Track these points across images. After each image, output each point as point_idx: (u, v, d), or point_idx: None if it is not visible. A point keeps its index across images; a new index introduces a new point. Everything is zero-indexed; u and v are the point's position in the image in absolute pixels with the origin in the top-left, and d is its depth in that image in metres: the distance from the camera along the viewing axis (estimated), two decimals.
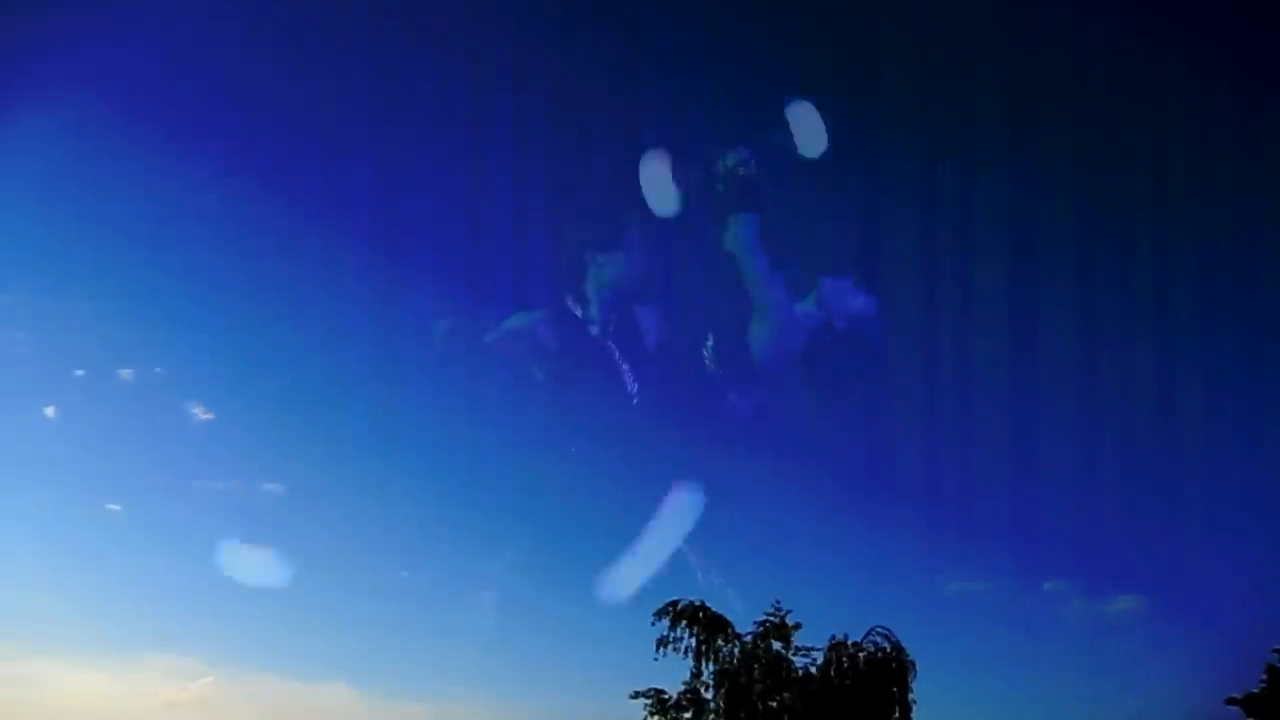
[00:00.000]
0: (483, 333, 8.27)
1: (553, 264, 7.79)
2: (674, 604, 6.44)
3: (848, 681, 6.44)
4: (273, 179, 8.88)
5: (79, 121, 8.45)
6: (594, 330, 7.40)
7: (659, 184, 8.14)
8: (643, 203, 8.65)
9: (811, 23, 8.88)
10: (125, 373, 8.35)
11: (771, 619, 6.53)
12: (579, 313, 7.33)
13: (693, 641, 6.45)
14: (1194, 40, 9.32)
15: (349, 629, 8.39)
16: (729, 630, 6.32)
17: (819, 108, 8.38)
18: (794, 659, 6.56)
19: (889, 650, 6.38)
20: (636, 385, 8.06)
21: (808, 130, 7.84)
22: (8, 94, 8.34)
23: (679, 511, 7.89)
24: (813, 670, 6.53)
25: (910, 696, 6.51)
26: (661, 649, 6.58)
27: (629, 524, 8.75)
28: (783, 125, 7.96)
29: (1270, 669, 6.98)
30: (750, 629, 6.53)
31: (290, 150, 8.51)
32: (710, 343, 7.79)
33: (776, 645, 6.45)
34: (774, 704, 6.68)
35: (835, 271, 8.14)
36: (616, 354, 7.73)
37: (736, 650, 6.37)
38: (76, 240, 9.05)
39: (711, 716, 6.44)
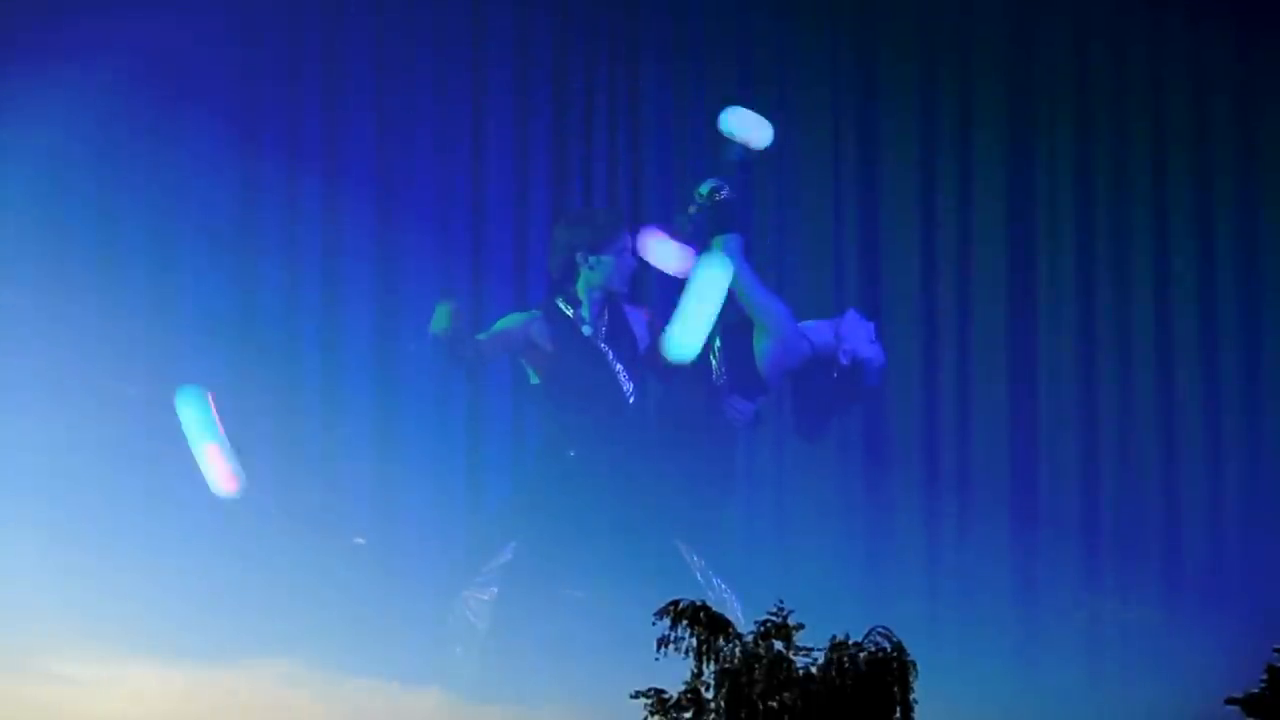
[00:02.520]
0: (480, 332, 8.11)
1: (546, 264, 7.65)
2: (675, 604, 6.33)
3: (849, 681, 6.36)
4: (271, 174, 8.72)
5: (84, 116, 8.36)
6: (587, 330, 7.26)
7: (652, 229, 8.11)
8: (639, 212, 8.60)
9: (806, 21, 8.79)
10: None
11: (773, 619, 6.43)
12: (571, 313, 7.21)
13: (693, 641, 6.34)
14: (1197, 27, 9.32)
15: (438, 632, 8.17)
16: (730, 630, 6.21)
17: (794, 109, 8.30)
18: (795, 659, 6.48)
19: (890, 650, 6.26)
20: (633, 385, 7.94)
21: (752, 132, 7.62)
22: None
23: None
24: (813, 670, 6.44)
25: (912, 696, 6.41)
26: (662, 649, 6.48)
27: (632, 525, 8.60)
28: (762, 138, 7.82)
29: (1270, 669, 6.90)
30: (751, 629, 6.43)
31: (289, 140, 8.36)
32: (716, 345, 7.67)
33: (778, 645, 6.36)
34: (774, 704, 6.59)
35: (837, 298, 8.08)
36: (611, 355, 7.59)
37: (737, 650, 6.27)
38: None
39: (712, 716, 6.35)
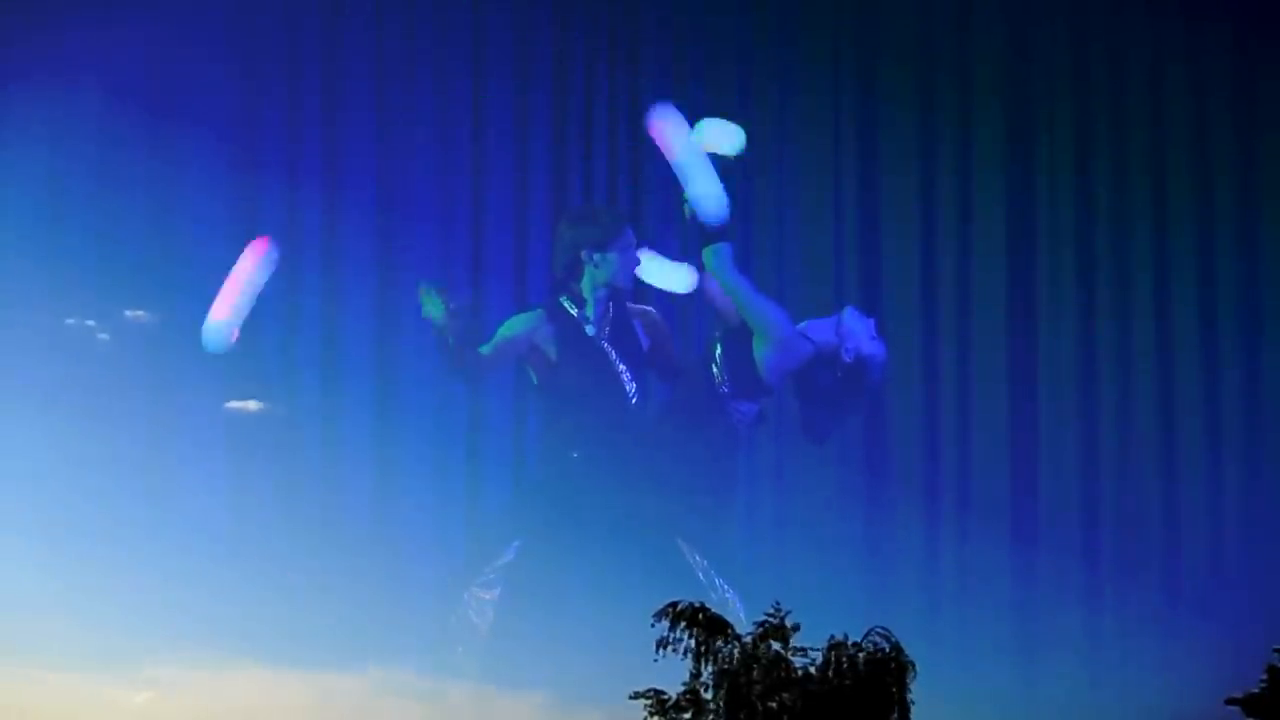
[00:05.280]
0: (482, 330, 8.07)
1: (547, 263, 7.64)
2: (673, 605, 6.30)
3: (847, 681, 6.32)
4: (271, 175, 8.71)
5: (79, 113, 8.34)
6: (591, 330, 7.25)
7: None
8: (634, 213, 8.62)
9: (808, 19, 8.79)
10: None
11: (771, 619, 6.39)
12: (575, 312, 7.19)
13: (692, 643, 6.31)
14: (1196, 27, 9.32)
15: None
16: (729, 631, 6.17)
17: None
18: (793, 659, 6.45)
19: (888, 650, 6.22)
20: (635, 386, 7.92)
21: (724, 140, 7.62)
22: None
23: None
24: (812, 670, 6.40)
25: (910, 696, 6.37)
26: (661, 650, 6.45)
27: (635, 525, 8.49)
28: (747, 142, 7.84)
29: (1270, 669, 6.84)
30: (750, 630, 6.40)
31: (289, 140, 8.35)
32: (718, 353, 7.67)
33: (776, 646, 6.32)
34: (774, 704, 6.56)
35: (834, 297, 8.09)
36: (614, 355, 7.56)
37: (736, 651, 6.23)
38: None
39: (711, 717, 6.31)
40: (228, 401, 8.58)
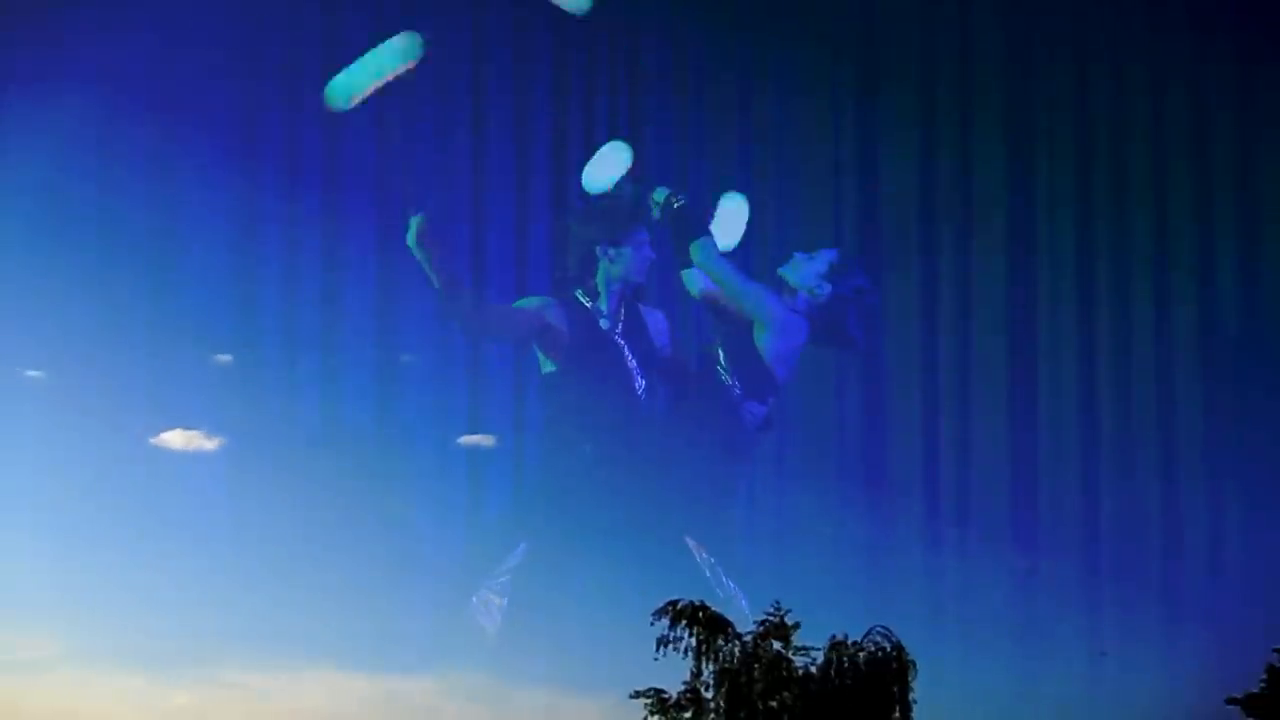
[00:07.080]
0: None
1: (547, 262, 7.65)
2: (674, 604, 6.29)
3: (848, 681, 6.31)
4: (271, 166, 8.70)
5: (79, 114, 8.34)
6: (604, 324, 7.27)
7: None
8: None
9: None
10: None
11: (771, 618, 6.39)
12: (590, 305, 7.20)
13: (693, 641, 6.30)
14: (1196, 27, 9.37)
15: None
16: (729, 630, 6.17)
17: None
18: (794, 659, 6.45)
19: (889, 650, 6.21)
20: (644, 383, 7.92)
21: (615, 166, 7.80)
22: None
23: None
24: (813, 670, 6.40)
25: (911, 696, 6.36)
26: (661, 649, 6.44)
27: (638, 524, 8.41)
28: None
29: (1270, 669, 6.83)
30: (750, 629, 6.40)
31: (289, 138, 8.36)
32: (721, 355, 7.69)
33: (776, 645, 6.32)
34: (774, 704, 6.55)
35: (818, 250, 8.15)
36: (626, 349, 7.57)
37: (737, 650, 6.22)
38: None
39: (711, 716, 6.29)
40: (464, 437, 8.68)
